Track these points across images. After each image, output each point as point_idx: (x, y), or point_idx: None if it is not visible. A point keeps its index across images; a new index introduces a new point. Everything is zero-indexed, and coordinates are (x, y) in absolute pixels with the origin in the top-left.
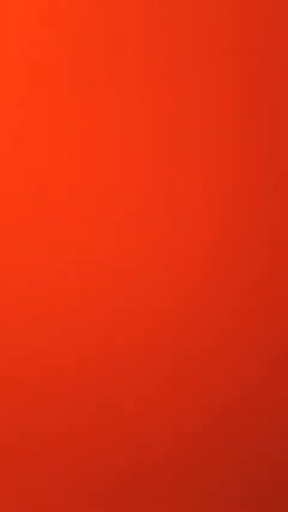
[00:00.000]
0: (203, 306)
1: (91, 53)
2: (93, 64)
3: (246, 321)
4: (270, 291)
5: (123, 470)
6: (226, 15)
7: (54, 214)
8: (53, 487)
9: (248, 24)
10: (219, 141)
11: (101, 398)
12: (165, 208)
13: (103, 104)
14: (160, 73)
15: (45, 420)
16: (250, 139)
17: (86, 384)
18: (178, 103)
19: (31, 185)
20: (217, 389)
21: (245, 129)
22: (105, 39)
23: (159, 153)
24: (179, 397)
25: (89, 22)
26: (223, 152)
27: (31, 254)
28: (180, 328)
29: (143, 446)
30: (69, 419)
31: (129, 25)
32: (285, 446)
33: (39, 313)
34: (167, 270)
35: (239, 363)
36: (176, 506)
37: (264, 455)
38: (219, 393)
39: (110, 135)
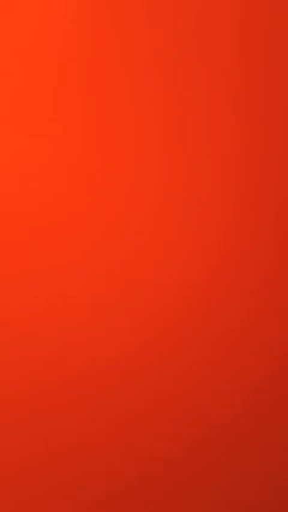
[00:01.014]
0: (206, 314)
1: (102, 60)
2: (103, 71)
3: (249, 328)
4: (275, 297)
5: (124, 479)
6: (231, 26)
7: (57, 223)
8: (52, 496)
9: (253, 31)
10: (226, 150)
11: (102, 407)
12: (169, 215)
13: (112, 110)
14: (168, 82)
15: (45, 429)
16: (256, 146)
17: (86, 391)
18: (185, 107)
19: (38, 191)
20: (219, 397)
21: (251, 139)
22: (117, 47)
23: (164, 159)
24: (180, 406)
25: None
26: (229, 160)
27: (35, 261)
28: (183, 336)
29: (144, 455)
30: (69, 427)
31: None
32: (285, 461)
33: (41, 320)
34: (169, 278)
35: (241, 371)
36: None
37: (267, 464)
38: (222, 401)
39: (118, 144)
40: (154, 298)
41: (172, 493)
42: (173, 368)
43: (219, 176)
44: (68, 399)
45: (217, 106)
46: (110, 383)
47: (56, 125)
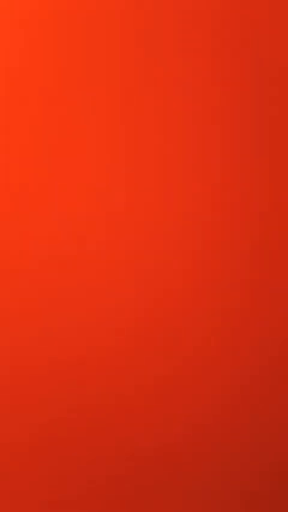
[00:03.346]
0: (200, 305)
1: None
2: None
3: (242, 321)
4: (266, 289)
5: (122, 469)
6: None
7: (50, 211)
8: (51, 482)
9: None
10: (214, 144)
11: (100, 396)
12: (159, 206)
13: (96, 104)
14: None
15: (44, 418)
16: (244, 139)
17: (84, 381)
18: (173, 93)
19: (27, 180)
20: (215, 389)
21: (239, 130)
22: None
23: (153, 149)
24: (178, 396)
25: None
26: (218, 158)
27: (28, 248)
28: (177, 327)
29: (142, 444)
30: (67, 416)
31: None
32: (283, 448)
33: (36, 311)
34: (160, 268)
35: (236, 363)
36: (173, 506)
37: (263, 456)
38: (218, 392)
39: (105, 134)
40: (148, 290)
41: (170, 484)
42: (170, 359)
43: (210, 173)
44: (65, 387)
45: (208, 93)
46: (108, 372)
47: (41, 113)
